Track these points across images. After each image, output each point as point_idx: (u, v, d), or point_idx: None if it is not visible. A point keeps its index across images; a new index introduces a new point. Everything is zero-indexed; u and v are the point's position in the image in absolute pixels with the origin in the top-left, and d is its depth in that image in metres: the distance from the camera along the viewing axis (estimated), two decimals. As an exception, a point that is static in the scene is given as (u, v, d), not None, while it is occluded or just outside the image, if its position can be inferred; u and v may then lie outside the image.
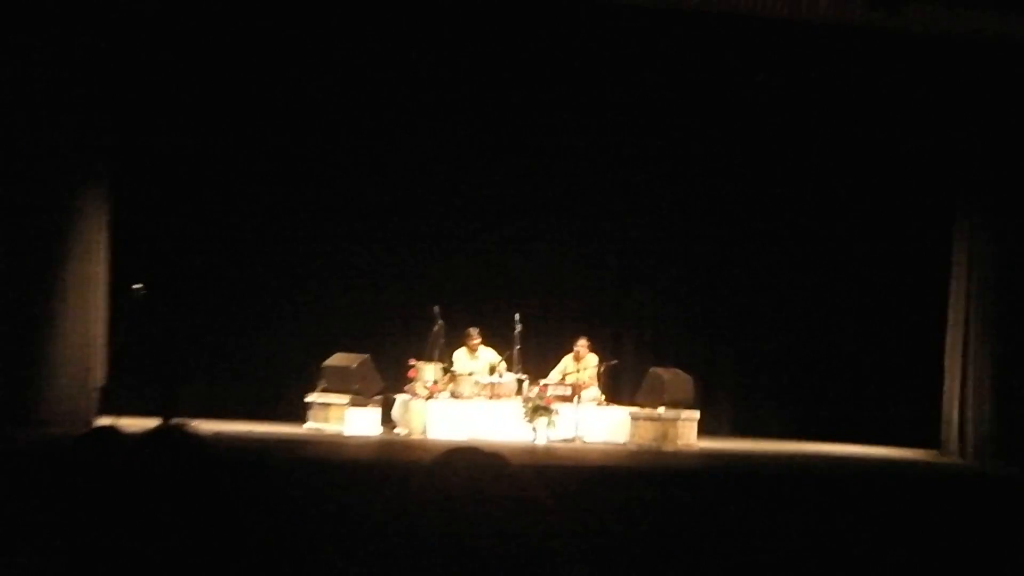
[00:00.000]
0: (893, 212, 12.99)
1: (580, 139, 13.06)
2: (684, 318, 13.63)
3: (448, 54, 12.18)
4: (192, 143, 12.15)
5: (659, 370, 11.81)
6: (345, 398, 11.28)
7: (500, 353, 12.03)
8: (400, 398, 11.61)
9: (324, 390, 11.46)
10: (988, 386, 11.81)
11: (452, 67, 12.35)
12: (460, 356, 12.06)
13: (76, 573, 1.99)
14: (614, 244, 13.59)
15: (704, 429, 11.75)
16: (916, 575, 5.72)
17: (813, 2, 10.97)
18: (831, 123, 12.75)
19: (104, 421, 9.54)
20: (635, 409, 11.64)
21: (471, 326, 12.14)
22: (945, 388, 12.13)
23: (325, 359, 11.61)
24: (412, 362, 11.73)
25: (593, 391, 11.99)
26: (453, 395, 11.67)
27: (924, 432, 12.20)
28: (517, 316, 12.00)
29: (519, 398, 11.59)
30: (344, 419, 11.19)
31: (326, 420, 11.33)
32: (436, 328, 11.77)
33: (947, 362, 12.15)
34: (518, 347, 11.96)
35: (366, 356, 11.60)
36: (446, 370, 11.79)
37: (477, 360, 12.05)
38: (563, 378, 12.01)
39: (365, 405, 11.31)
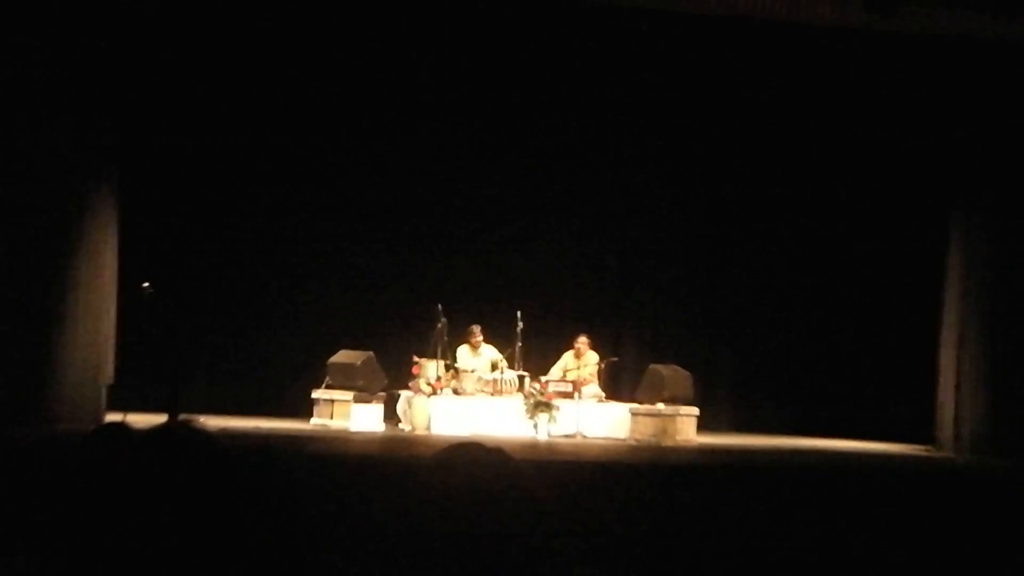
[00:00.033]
0: (890, 212, 12.99)
1: (580, 140, 13.07)
2: (683, 316, 13.64)
3: (449, 55, 12.18)
4: (197, 144, 12.15)
5: (658, 367, 11.82)
6: (349, 394, 11.29)
7: (502, 350, 12.04)
8: (404, 394, 11.62)
9: (329, 386, 11.47)
10: (982, 383, 11.82)
11: (453, 68, 12.35)
12: (463, 353, 12.07)
13: (86, 567, 1.99)
14: (614, 243, 13.60)
15: (703, 425, 11.76)
16: (912, 569, 5.72)
17: (811, 4, 10.97)
18: (828, 124, 12.74)
19: (113, 417, 9.55)
20: (635, 405, 11.65)
21: (473, 324, 12.15)
22: (940, 385, 12.13)
23: (330, 356, 11.62)
24: (415, 359, 11.75)
25: (593, 387, 12.00)
26: (456, 391, 11.69)
27: (919, 428, 12.20)
28: (519, 314, 12.01)
29: (521, 394, 11.60)
30: (349, 415, 11.20)
31: (331, 416, 11.34)
32: (439, 326, 11.78)
33: (942, 360, 12.15)
34: (519, 344, 11.97)
35: (370, 353, 11.60)
36: (449, 367, 11.80)
37: (479, 357, 12.06)
38: (564, 375, 12.02)
39: (369, 401, 11.32)
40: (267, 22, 11.44)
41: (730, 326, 13.66)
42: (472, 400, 11.61)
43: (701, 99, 12.72)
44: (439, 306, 11.83)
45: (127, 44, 10.74)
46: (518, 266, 13.25)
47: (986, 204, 12.01)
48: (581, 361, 12.12)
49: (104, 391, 10.66)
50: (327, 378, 11.51)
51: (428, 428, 11.28)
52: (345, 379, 11.40)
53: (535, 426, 11.10)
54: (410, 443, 10.47)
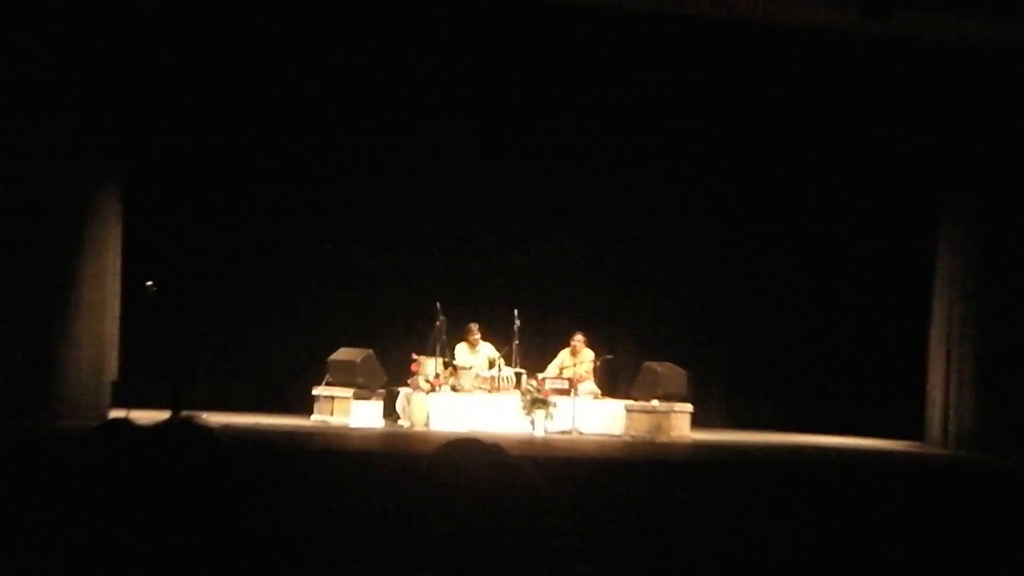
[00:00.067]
0: (881, 214, 13.00)
1: (577, 142, 13.06)
2: (678, 315, 13.64)
3: (449, 57, 12.18)
4: (199, 145, 12.14)
5: (653, 364, 11.82)
6: (350, 391, 11.28)
7: (499, 348, 12.04)
8: (403, 391, 11.62)
9: (329, 384, 11.47)
10: (970, 381, 11.84)
11: (453, 70, 12.34)
12: (461, 351, 12.07)
13: (90, 562, 2.00)
14: (609, 244, 13.60)
15: (697, 421, 11.77)
16: (902, 563, 5.73)
17: (805, 8, 10.97)
18: (823, 126, 12.76)
19: (117, 414, 9.55)
20: (630, 402, 11.65)
21: (471, 322, 12.15)
22: (929, 382, 12.15)
23: (330, 354, 11.61)
24: (414, 357, 11.75)
25: (589, 385, 12.00)
26: (454, 388, 11.68)
27: (909, 424, 12.22)
28: (516, 312, 12.02)
29: (518, 391, 11.60)
30: (349, 412, 11.19)
31: (331, 413, 11.33)
32: (438, 324, 11.78)
33: (931, 358, 12.17)
34: (517, 342, 11.98)
35: (370, 351, 11.60)
36: (447, 364, 11.80)
37: (477, 355, 12.06)
38: (560, 372, 12.02)
39: (369, 398, 11.32)
40: (268, 24, 11.43)
41: (724, 325, 13.67)
42: (470, 397, 11.61)
43: (696, 101, 12.72)
44: (438, 305, 11.83)
45: (130, 46, 10.74)
46: (515, 266, 13.25)
47: (975, 207, 12.03)
48: (577, 359, 12.12)
49: (108, 388, 10.65)
50: (327, 375, 11.50)
51: (427, 424, 11.28)
52: (345, 376, 11.40)
53: (532, 422, 11.11)
54: (409, 439, 10.47)
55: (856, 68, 11.94)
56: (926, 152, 12.30)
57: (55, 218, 10.45)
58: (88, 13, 10.37)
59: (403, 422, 11.43)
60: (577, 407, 11.38)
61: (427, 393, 11.47)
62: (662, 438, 11.15)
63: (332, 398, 11.38)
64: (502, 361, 11.91)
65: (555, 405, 11.23)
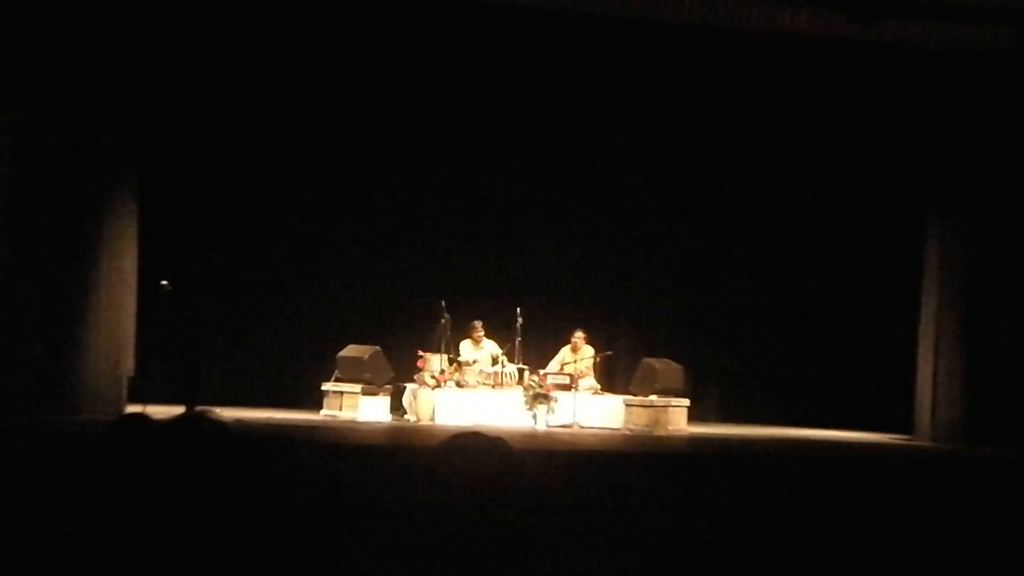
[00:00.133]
0: (871, 213, 13.00)
1: (578, 145, 13.05)
2: (675, 313, 13.64)
3: (453, 60, 12.17)
4: (212, 148, 12.16)
5: (651, 360, 11.81)
6: (358, 387, 11.28)
7: (502, 345, 12.03)
8: (409, 387, 11.61)
9: (338, 379, 11.47)
10: (957, 375, 11.83)
11: (458, 74, 12.33)
12: (465, 347, 12.07)
13: (108, 550, 2.00)
14: (609, 244, 13.59)
15: (693, 415, 11.77)
16: (892, 549, 5.72)
17: (796, 16, 10.96)
18: (814, 129, 12.74)
19: (134, 408, 9.56)
20: (629, 397, 11.65)
21: (475, 320, 12.14)
22: (918, 377, 12.14)
23: (339, 351, 11.61)
24: (420, 353, 11.74)
25: (589, 380, 12.00)
26: (459, 384, 11.68)
27: (898, 418, 12.21)
28: (518, 310, 12.01)
29: (520, 387, 11.59)
30: (357, 406, 11.19)
31: (340, 407, 11.33)
32: (443, 321, 11.78)
33: (920, 353, 12.16)
34: (519, 339, 11.97)
35: (377, 348, 11.60)
36: (452, 361, 11.79)
37: (481, 351, 12.06)
38: (561, 368, 12.01)
39: (376, 393, 11.31)
40: (279, 28, 11.43)
41: (720, 322, 13.66)
42: (474, 392, 11.61)
43: (691, 106, 12.70)
44: (443, 303, 11.83)
45: (146, 50, 10.73)
46: (518, 265, 13.25)
47: (962, 207, 12.02)
48: (578, 355, 12.12)
49: (125, 383, 10.65)
50: (336, 371, 11.50)
51: (432, 419, 11.27)
52: (353, 372, 11.40)
53: (534, 417, 11.10)
54: (415, 433, 10.46)
55: (845, 73, 11.93)
56: (915, 154, 12.29)
57: (73, 219, 10.46)
58: (106, 16, 10.37)
59: (409, 416, 11.43)
60: (578, 402, 11.37)
61: (433, 389, 11.47)
62: (660, 432, 11.15)
63: (341, 393, 11.38)
64: (505, 358, 11.90)
65: (556, 400, 11.23)
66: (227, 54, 11.51)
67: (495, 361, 11.88)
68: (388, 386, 11.50)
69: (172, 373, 10.21)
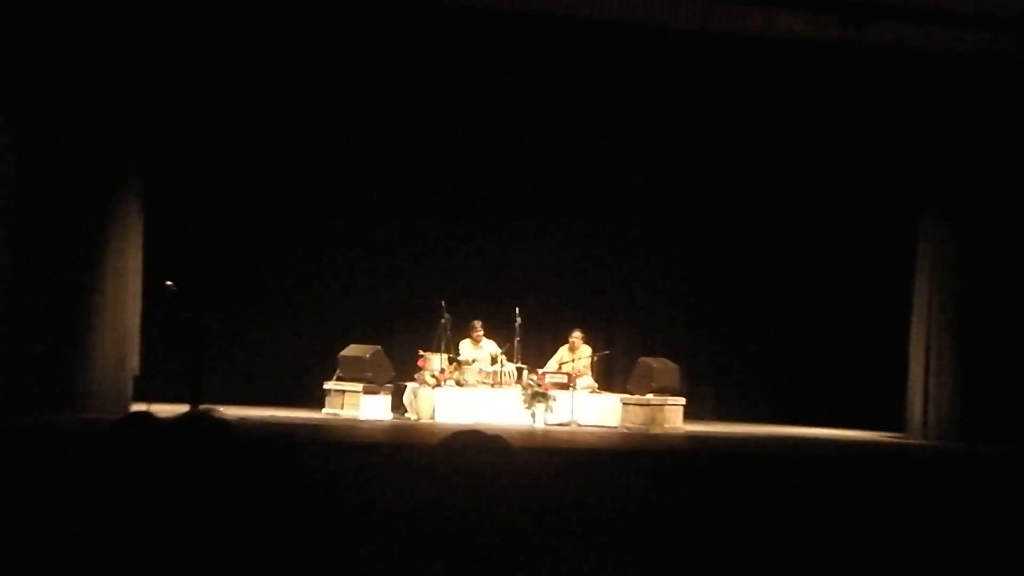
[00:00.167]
0: (864, 214, 13.01)
1: (576, 147, 13.07)
2: (672, 313, 13.64)
3: (453, 63, 12.18)
4: (216, 150, 12.17)
5: (648, 360, 11.81)
6: (359, 386, 11.28)
7: (501, 344, 12.04)
8: (410, 386, 11.61)
9: (340, 378, 11.47)
10: (948, 374, 11.85)
11: (458, 77, 12.34)
12: (465, 347, 12.07)
13: (113, 545, 2.00)
14: (606, 245, 13.58)
15: (689, 413, 11.77)
16: (884, 544, 5.73)
17: (791, 20, 10.97)
18: (808, 130, 12.77)
19: (138, 407, 9.56)
20: (626, 395, 11.65)
21: (475, 319, 12.15)
22: (910, 376, 12.15)
23: (341, 350, 11.61)
24: (421, 353, 11.74)
25: (587, 379, 12.00)
26: (458, 383, 11.68)
27: (890, 416, 12.22)
28: (517, 310, 12.02)
29: (519, 386, 11.60)
30: (358, 405, 11.20)
31: (342, 406, 11.34)
32: (443, 321, 11.78)
33: (912, 352, 12.17)
34: (518, 339, 11.98)
35: (378, 347, 11.60)
36: (452, 360, 11.80)
37: (480, 351, 12.06)
38: (559, 367, 12.01)
39: (377, 392, 11.31)
40: (282, 32, 11.44)
41: (715, 322, 13.67)
42: (474, 391, 11.61)
43: (689, 108, 12.73)
44: (443, 303, 11.83)
45: (151, 53, 10.74)
46: (516, 266, 13.26)
47: (954, 206, 12.03)
48: (576, 354, 12.12)
49: (130, 383, 10.65)
50: (338, 370, 11.50)
51: (432, 417, 11.28)
52: (355, 371, 11.40)
53: (532, 415, 11.11)
54: (416, 431, 10.47)
55: (839, 76, 11.96)
56: (908, 156, 12.31)
57: (78, 220, 10.46)
58: (111, 17, 10.36)
59: (410, 415, 11.43)
60: (576, 400, 11.37)
61: (433, 387, 11.47)
62: (656, 429, 11.15)
63: (342, 392, 11.38)
64: (504, 357, 11.90)
65: (555, 398, 11.23)
66: (231, 57, 11.52)
67: (494, 360, 11.88)
68: (389, 385, 11.50)
69: (176, 372, 10.20)
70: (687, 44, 11.57)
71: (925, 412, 11.87)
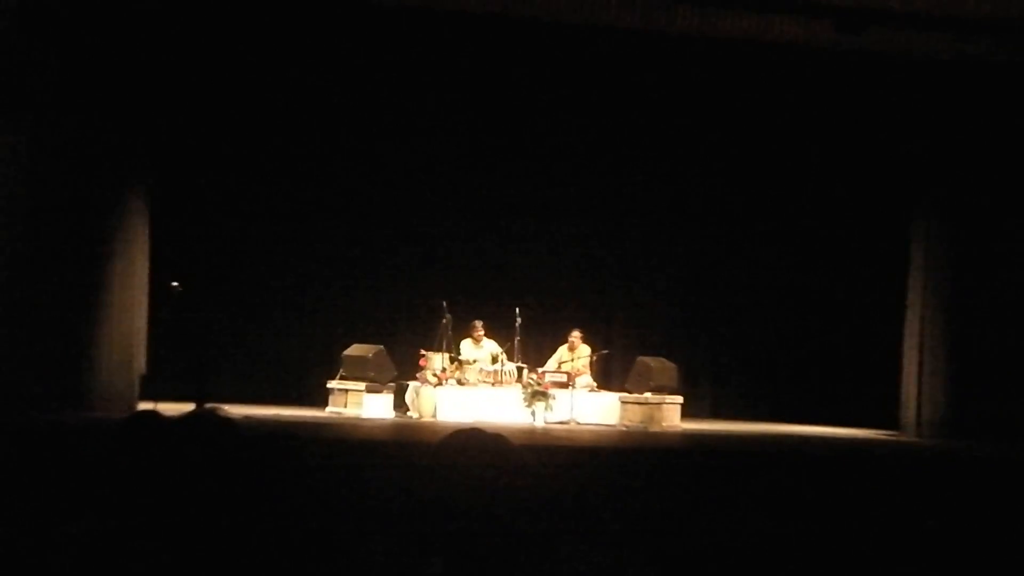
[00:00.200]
0: (858, 215, 13.02)
1: (575, 150, 13.08)
2: (669, 312, 13.65)
3: (452, 67, 12.18)
4: (221, 153, 12.17)
5: (646, 359, 11.81)
6: (362, 385, 11.28)
7: (502, 344, 12.04)
8: (412, 384, 11.62)
9: (343, 377, 11.47)
10: (942, 372, 11.85)
11: (459, 79, 12.35)
12: (466, 347, 12.07)
13: (121, 540, 2.00)
14: (605, 247, 13.59)
15: (687, 412, 11.77)
16: (875, 540, 5.73)
17: (787, 26, 10.99)
18: (804, 134, 12.78)
19: (145, 406, 9.55)
20: (624, 394, 11.65)
21: (476, 319, 12.15)
22: (903, 374, 12.15)
23: (344, 350, 11.62)
24: (422, 352, 11.74)
25: (586, 378, 12.00)
26: (459, 382, 11.68)
27: (884, 414, 12.21)
28: (517, 310, 12.02)
29: (519, 384, 11.59)
30: (361, 404, 11.20)
31: (345, 404, 11.34)
32: (444, 321, 11.78)
33: (905, 352, 12.17)
34: (518, 338, 11.98)
35: (381, 347, 11.60)
36: (453, 359, 11.80)
37: (481, 350, 12.06)
38: (559, 366, 12.01)
39: (380, 391, 11.32)
40: (287, 36, 11.45)
41: (712, 322, 13.68)
42: (475, 390, 11.61)
43: (685, 111, 12.74)
44: (444, 303, 11.83)
45: (160, 59, 10.75)
46: (517, 267, 13.26)
47: (944, 207, 12.04)
48: (575, 354, 12.12)
49: (137, 382, 10.65)
50: (341, 370, 11.50)
51: (434, 415, 11.28)
52: (358, 371, 11.40)
53: (532, 413, 11.10)
54: (418, 429, 10.46)
55: (833, 80, 11.99)
56: (901, 159, 12.32)
57: (87, 221, 10.46)
58: (119, 19, 10.36)
59: (412, 413, 11.43)
60: (575, 399, 11.37)
61: (434, 386, 11.47)
62: (654, 428, 11.15)
63: (346, 391, 11.38)
64: (504, 356, 11.90)
65: (554, 397, 11.23)
66: (235, 60, 11.53)
67: (495, 360, 11.88)
68: (391, 384, 11.50)
69: (182, 371, 10.21)
70: (684, 48, 11.58)
71: (919, 410, 11.87)
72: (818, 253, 13.36)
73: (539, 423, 11.00)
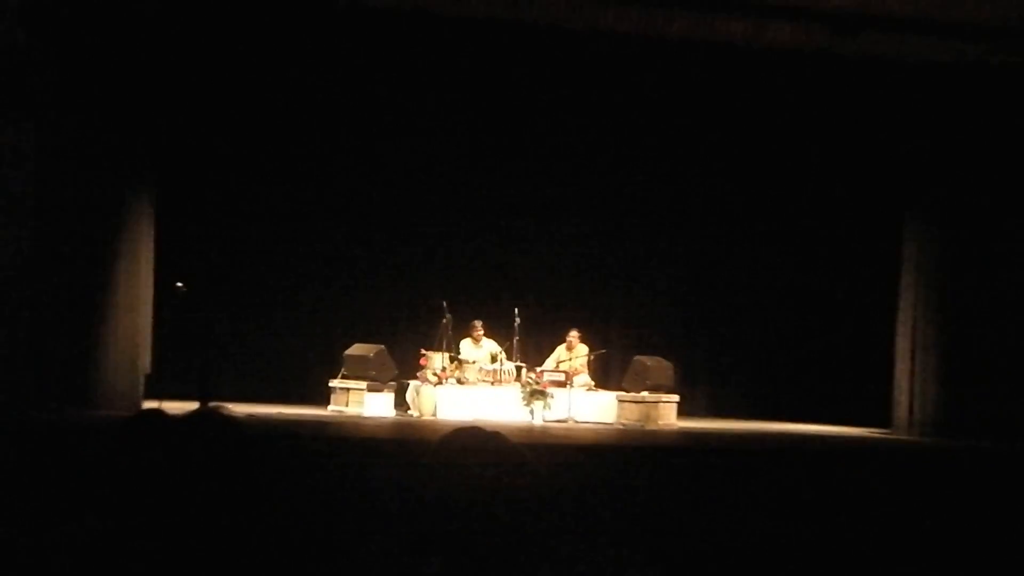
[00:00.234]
0: (851, 216, 13.03)
1: (573, 155, 13.07)
2: (666, 313, 13.65)
3: (452, 70, 12.17)
4: (225, 156, 12.17)
5: (643, 358, 11.81)
6: (363, 383, 11.28)
7: (501, 343, 12.04)
8: (412, 383, 11.62)
9: (345, 376, 11.47)
10: (933, 371, 11.85)
11: (458, 84, 12.33)
12: (465, 346, 12.07)
13: (125, 538, 2.00)
14: (602, 248, 13.59)
15: (683, 410, 11.77)
16: (868, 536, 5.73)
17: (783, 30, 11.00)
18: (798, 136, 12.78)
19: (150, 404, 9.55)
20: (621, 393, 11.65)
21: (475, 319, 12.15)
22: (895, 374, 12.15)
23: (345, 349, 11.61)
24: (423, 352, 11.74)
25: (584, 377, 12.00)
26: (459, 381, 11.68)
27: (877, 412, 12.22)
28: (516, 311, 12.02)
29: (518, 383, 11.59)
30: (362, 402, 11.20)
31: (346, 403, 11.33)
32: (444, 321, 11.78)
33: (898, 352, 12.17)
34: (517, 338, 11.98)
35: (382, 346, 11.60)
36: (453, 359, 11.80)
37: (481, 350, 12.06)
38: (557, 365, 12.01)
39: (381, 390, 11.31)
40: (290, 41, 11.45)
41: (708, 322, 13.68)
42: (474, 389, 11.61)
43: (682, 114, 12.73)
44: (444, 304, 11.83)
45: (166, 62, 10.75)
46: (515, 268, 13.27)
47: (936, 209, 12.05)
48: (573, 353, 12.12)
49: (142, 381, 10.65)
50: (343, 369, 11.50)
51: (434, 414, 11.28)
52: (359, 370, 11.40)
53: (531, 412, 11.10)
54: (418, 427, 10.46)
55: (827, 83, 11.99)
56: (893, 160, 12.33)
57: (94, 224, 10.46)
58: (126, 22, 10.36)
59: (412, 412, 11.43)
60: (573, 398, 11.37)
61: (435, 385, 11.47)
62: (651, 426, 11.15)
63: (347, 390, 11.38)
64: (503, 356, 11.90)
65: (552, 396, 11.23)
66: (239, 64, 11.52)
67: (494, 359, 11.89)
68: (392, 383, 11.50)
69: (187, 371, 10.20)
70: (681, 51, 11.59)
71: (911, 408, 11.88)
72: (812, 253, 13.37)
73: (537, 421, 11.00)
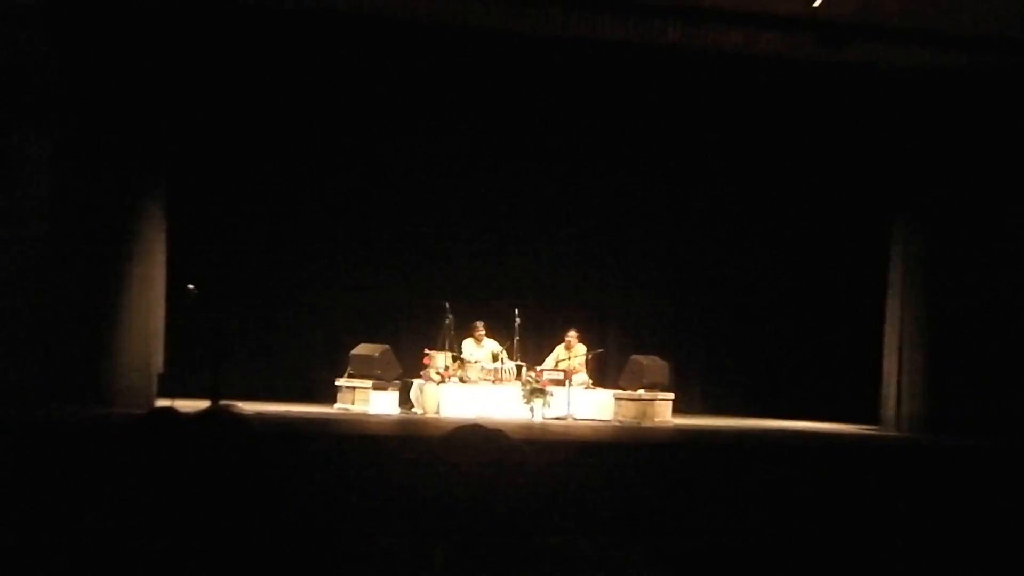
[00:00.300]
0: (840, 218, 13.04)
1: (570, 159, 13.09)
2: (662, 312, 13.65)
3: (454, 76, 12.18)
4: (236, 158, 12.17)
5: (639, 357, 11.81)
6: (368, 382, 11.28)
7: (502, 343, 12.03)
8: (416, 382, 11.61)
9: (350, 375, 11.47)
10: (921, 369, 11.85)
11: (459, 89, 12.34)
12: (467, 346, 12.06)
13: (138, 532, 2.00)
14: (600, 250, 13.58)
15: (678, 408, 11.76)
16: (857, 530, 5.73)
17: (771, 39, 11.01)
18: (789, 140, 12.80)
19: (163, 403, 9.55)
20: (618, 391, 11.65)
21: (477, 320, 12.14)
22: (884, 371, 12.15)
23: (351, 349, 11.61)
24: (426, 351, 11.74)
25: (582, 376, 12.00)
26: (461, 380, 11.68)
27: (865, 409, 12.22)
28: (516, 311, 12.02)
29: (518, 382, 11.59)
30: (368, 400, 11.19)
31: (352, 401, 11.33)
32: (447, 322, 11.78)
33: (886, 349, 12.17)
34: (517, 338, 11.97)
35: (387, 346, 11.59)
36: (455, 358, 11.80)
37: (482, 349, 12.06)
38: (556, 364, 12.01)
39: (386, 388, 11.31)
40: (298, 47, 11.46)
41: (703, 322, 13.68)
42: (476, 387, 11.60)
43: (675, 120, 12.75)
44: (447, 305, 11.83)
45: (178, 68, 10.76)
46: (516, 269, 13.26)
47: (923, 210, 12.06)
48: (571, 352, 12.12)
49: (154, 380, 10.64)
50: (349, 368, 11.50)
51: (438, 412, 11.27)
52: (365, 369, 11.39)
53: (531, 410, 11.10)
54: (422, 425, 10.46)
55: (817, 90, 12.03)
56: (881, 164, 12.34)
57: (107, 225, 10.47)
58: (137, 32, 10.37)
59: (416, 410, 11.43)
60: (571, 396, 11.37)
61: (438, 384, 11.47)
62: (647, 423, 11.15)
63: (353, 388, 11.38)
64: (504, 355, 11.90)
65: (552, 394, 11.22)
66: (248, 69, 11.54)
67: (495, 358, 11.89)
68: (397, 381, 11.50)
69: (198, 370, 10.21)
70: (675, 59, 11.61)
71: (898, 406, 11.88)
72: (802, 253, 13.38)
73: (537, 419, 10.99)
